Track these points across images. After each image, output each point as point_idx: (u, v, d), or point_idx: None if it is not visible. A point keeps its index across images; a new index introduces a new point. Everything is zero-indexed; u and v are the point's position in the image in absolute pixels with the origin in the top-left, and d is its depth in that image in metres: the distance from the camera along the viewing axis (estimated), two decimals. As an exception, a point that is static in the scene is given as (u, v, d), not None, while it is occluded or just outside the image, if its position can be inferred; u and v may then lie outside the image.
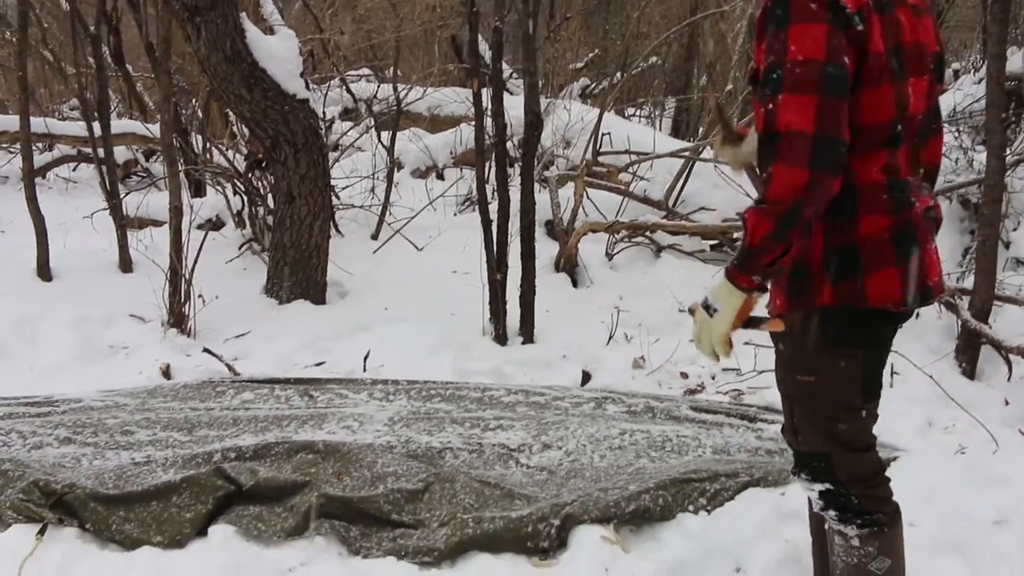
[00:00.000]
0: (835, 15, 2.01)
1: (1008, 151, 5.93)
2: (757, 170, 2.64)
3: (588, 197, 7.15)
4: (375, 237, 7.27)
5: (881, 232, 2.15)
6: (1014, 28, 7.84)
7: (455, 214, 7.87)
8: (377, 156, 8.24)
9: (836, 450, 2.32)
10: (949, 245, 6.16)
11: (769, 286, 2.29)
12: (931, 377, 4.69)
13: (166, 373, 5.00)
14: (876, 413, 2.40)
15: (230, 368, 5.07)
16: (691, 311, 2.30)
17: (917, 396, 4.66)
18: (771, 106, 2.00)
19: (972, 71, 7.78)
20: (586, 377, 5.03)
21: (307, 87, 5.95)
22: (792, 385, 2.33)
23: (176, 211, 5.63)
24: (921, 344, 5.31)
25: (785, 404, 2.40)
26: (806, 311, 2.23)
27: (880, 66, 2.08)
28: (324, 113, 7.33)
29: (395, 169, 7.98)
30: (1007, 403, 4.70)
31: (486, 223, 5.40)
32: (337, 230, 7.12)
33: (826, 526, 2.47)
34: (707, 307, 2.16)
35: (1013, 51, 6.92)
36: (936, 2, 9.60)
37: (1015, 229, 6.09)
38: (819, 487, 2.37)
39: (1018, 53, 6.95)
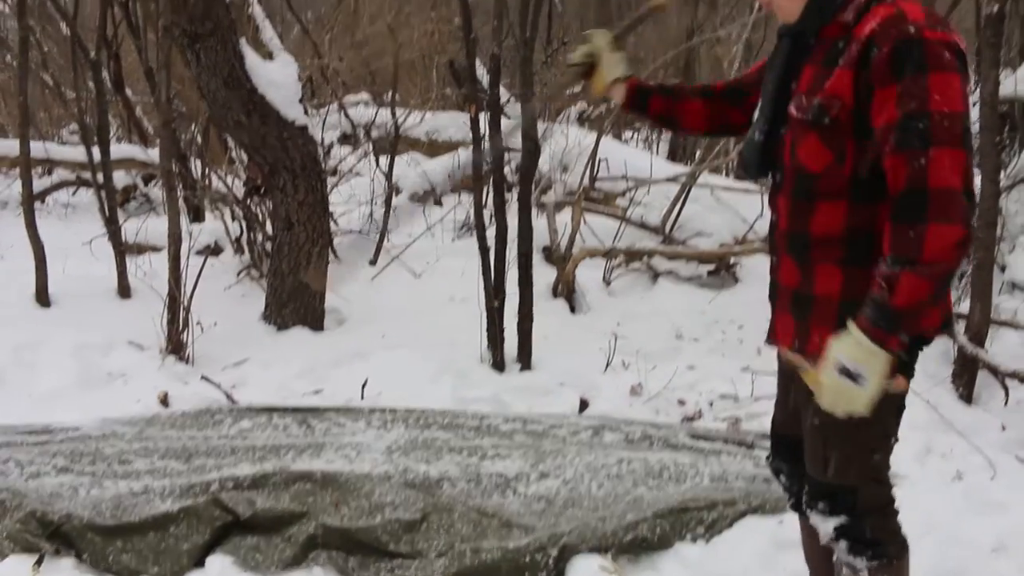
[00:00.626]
0: (962, 63, 2.00)
1: (1002, 174, 5.96)
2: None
3: (585, 222, 7.16)
4: (373, 263, 7.27)
5: None
6: (1007, 51, 7.88)
7: (453, 240, 7.88)
8: (375, 181, 8.25)
9: (866, 482, 2.32)
10: (946, 269, 6.18)
11: (798, 320, 2.30)
12: (928, 402, 4.70)
13: (164, 401, 5.00)
14: (898, 436, 2.39)
15: (228, 396, 5.07)
16: (796, 363, 2.22)
17: (915, 421, 4.65)
18: (922, 161, 1.95)
19: (967, 95, 7.81)
20: (584, 405, 5.03)
21: (306, 113, 5.98)
22: (834, 419, 2.22)
23: (175, 238, 5.64)
24: (918, 369, 5.28)
25: (816, 438, 2.34)
26: None
27: None
28: (323, 138, 7.36)
29: (393, 194, 7.99)
30: (1004, 428, 4.71)
31: (483, 250, 5.41)
32: (335, 256, 7.13)
33: (834, 558, 2.46)
34: (848, 373, 2.05)
35: (1007, 74, 6.95)
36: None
37: (1011, 252, 6.11)
38: (835, 520, 2.36)
39: (1012, 76, 6.99)
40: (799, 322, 2.31)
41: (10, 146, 9.24)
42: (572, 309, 6.46)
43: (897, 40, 1.98)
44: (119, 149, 9.26)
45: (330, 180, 7.70)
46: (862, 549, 2.35)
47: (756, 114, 2.38)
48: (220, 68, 5.52)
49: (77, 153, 9.16)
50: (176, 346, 5.55)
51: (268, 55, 7.11)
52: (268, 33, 8.44)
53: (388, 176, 7.93)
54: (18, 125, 6.56)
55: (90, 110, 7.50)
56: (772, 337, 2.46)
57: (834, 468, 2.33)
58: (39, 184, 9.46)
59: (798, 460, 2.51)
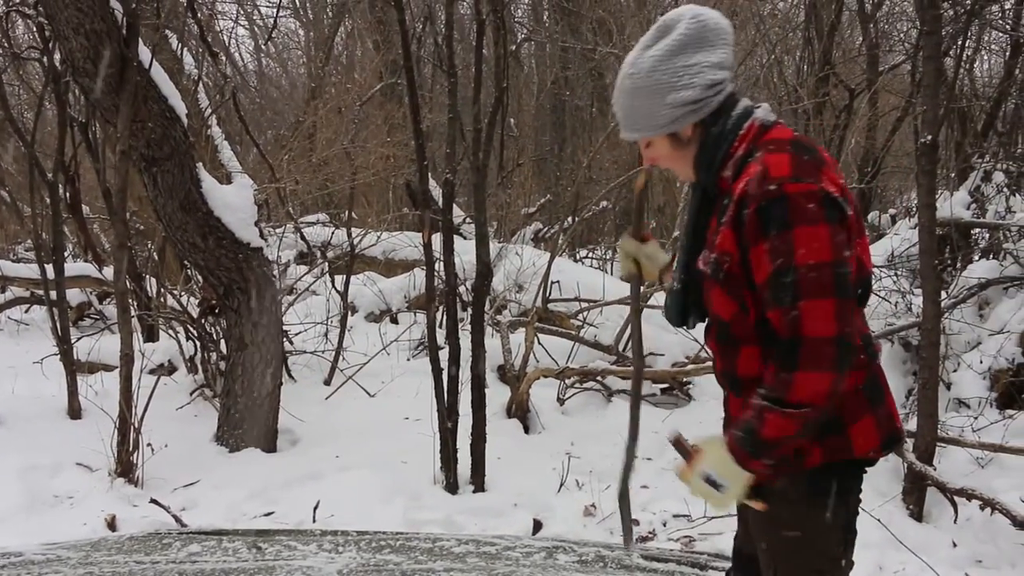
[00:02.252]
0: (832, 211, 2.07)
1: (944, 294, 6.11)
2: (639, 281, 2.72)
3: (539, 342, 7.22)
4: (328, 383, 7.27)
5: (859, 384, 2.24)
6: (945, 173, 8.15)
7: (408, 359, 7.90)
8: (331, 301, 8.29)
9: None
10: (892, 387, 6.21)
11: None
12: (879, 520, 4.73)
13: (111, 525, 4.92)
14: (853, 561, 2.41)
15: (177, 519, 4.99)
16: (677, 445, 2.31)
17: (866, 540, 4.65)
18: (794, 313, 2.05)
19: (908, 216, 8.05)
20: (537, 526, 5.01)
21: (261, 235, 6.03)
22: (777, 542, 2.34)
23: (127, 359, 5.61)
24: (869, 486, 5.30)
25: (766, 562, 2.39)
26: (795, 474, 2.26)
27: (851, 239, 2.16)
28: (279, 257, 7.42)
29: (349, 313, 8.03)
30: (955, 545, 4.74)
31: (437, 372, 5.44)
32: (290, 375, 7.11)
33: None
34: (712, 482, 2.19)
35: (945, 197, 7.19)
36: (873, 148, 10.01)
37: (955, 370, 6.22)
38: None
39: (949, 199, 7.22)
40: None
41: (-37, 264, 9.20)
42: (526, 429, 6.46)
43: (761, 200, 2.07)
44: (74, 267, 9.24)
45: (286, 299, 7.73)
46: None
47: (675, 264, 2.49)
48: (177, 191, 5.59)
49: (31, 270, 9.12)
50: (125, 468, 5.47)
51: (226, 176, 7.22)
52: (227, 154, 8.58)
53: (344, 295, 7.99)
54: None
55: (46, 228, 7.51)
56: None
57: None
58: (-8, 301, 9.41)
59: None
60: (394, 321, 8.92)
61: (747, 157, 2.18)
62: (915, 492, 5.16)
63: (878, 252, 7.30)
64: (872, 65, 10.48)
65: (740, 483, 2.19)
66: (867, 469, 2.37)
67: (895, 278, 6.81)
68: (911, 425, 5.53)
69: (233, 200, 5.89)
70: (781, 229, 2.05)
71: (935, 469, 5.11)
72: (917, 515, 5.11)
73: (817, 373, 2.04)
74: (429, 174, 6.03)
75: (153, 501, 5.16)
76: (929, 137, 4.97)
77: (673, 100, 2.22)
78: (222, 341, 6.70)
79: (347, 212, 9.24)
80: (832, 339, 2.04)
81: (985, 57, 13.33)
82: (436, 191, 9.01)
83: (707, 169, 2.28)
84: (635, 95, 2.26)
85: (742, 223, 2.12)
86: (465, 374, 5.50)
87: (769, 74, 10.81)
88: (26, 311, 10.40)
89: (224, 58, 11.96)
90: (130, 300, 6.43)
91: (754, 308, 2.19)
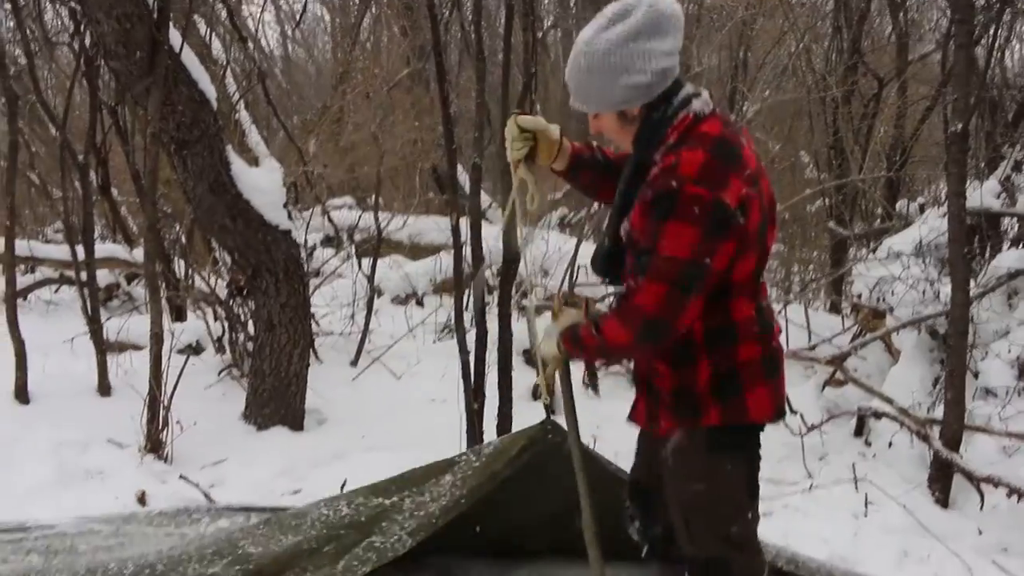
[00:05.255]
0: (713, 219, 2.25)
1: (973, 283, 6.09)
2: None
3: (565, 326, 7.21)
4: (354, 364, 7.31)
5: (755, 356, 2.45)
6: (975, 163, 8.10)
7: (434, 341, 7.94)
8: (358, 283, 8.34)
9: (732, 554, 2.54)
10: (920, 375, 6.27)
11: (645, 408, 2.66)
12: (905, 507, 4.74)
13: (142, 500, 4.98)
14: (758, 514, 2.64)
15: (206, 495, 5.05)
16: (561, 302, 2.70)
17: (892, 526, 4.70)
18: (635, 283, 2.40)
19: (936, 205, 8.01)
20: (563, 508, 5.02)
21: (290, 217, 6.07)
22: (686, 494, 2.55)
23: (157, 338, 5.66)
24: (895, 472, 5.37)
25: (679, 515, 2.60)
26: (693, 429, 2.49)
27: (752, 239, 2.35)
28: (306, 240, 7.46)
29: (375, 296, 8.07)
30: (980, 532, 4.75)
31: (463, 353, 5.46)
32: (316, 357, 7.16)
33: None
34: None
35: (975, 187, 7.14)
36: (901, 137, 9.93)
37: (983, 359, 6.20)
38: None
39: (979, 188, 7.17)
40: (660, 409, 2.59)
41: (-5, 244, 9.27)
42: (551, 412, 6.47)
43: (659, 190, 2.30)
44: (103, 248, 9.28)
45: (312, 282, 7.78)
46: None
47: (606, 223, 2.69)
48: (206, 174, 5.62)
49: (61, 251, 9.20)
50: (155, 444, 5.53)
51: (254, 160, 7.26)
52: (254, 138, 8.60)
53: (370, 278, 8.03)
54: (5, 227, 6.62)
55: (75, 210, 7.58)
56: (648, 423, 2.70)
57: (698, 542, 2.57)
58: (22, 281, 9.46)
59: (650, 510, 2.80)
60: (420, 304, 8.96)
61: (675, 146, 2.35)
62: (941, 479, 5.17)
63: (906, 241, 7.27)
64: (901, 54, 10.41)
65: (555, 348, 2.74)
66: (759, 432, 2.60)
67: (923, 266, 6.78)
68: (937, 413, 5.51)
69: (262, 183, 5.92)
70: (660, 219, 2.29)
71: (962, 457, 5.11)
72: (943, 502, 5.12)
73: (623, 329, 2.40)
74: (457, 159, 6.05)
75: (182, 477, 5.22)
76: (960, 125, 4.96)
77: (626, 83, 2.38)
78: (250, 322, 6.74)
79: (374, 196, 9.28)
80: (647, 315, 2.34)
81: (1016, 46, 13.21)
82: (463, 176, 9.02)
83: (644, 148, 2.46)
84: (590, 73, 2.41)
85: (644, 203, 2.37)
86: (491, 356, 5.52)
87: (798, 62, 10.76)
88: (56, 291, 10.49)
89: (252, 43, 11.98)
90: (159, 281, 6.48)
91: None
